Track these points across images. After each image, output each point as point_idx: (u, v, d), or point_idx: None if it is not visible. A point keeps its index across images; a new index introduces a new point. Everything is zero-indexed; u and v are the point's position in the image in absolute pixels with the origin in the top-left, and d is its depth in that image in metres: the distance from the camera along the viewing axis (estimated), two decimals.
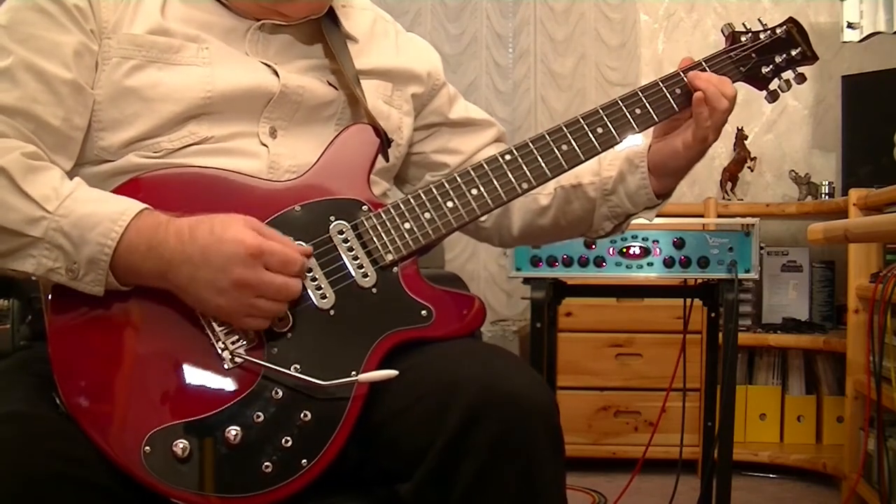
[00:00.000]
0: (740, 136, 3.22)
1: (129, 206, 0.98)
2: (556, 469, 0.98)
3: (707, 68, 1.18)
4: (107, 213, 0.96)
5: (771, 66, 1.23)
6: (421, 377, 0.99)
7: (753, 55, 1.22)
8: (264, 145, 1.11)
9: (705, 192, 3.34)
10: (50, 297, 0.98)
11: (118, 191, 1.02)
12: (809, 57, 1.24)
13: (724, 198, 3.19)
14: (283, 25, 1.15)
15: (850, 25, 2.79)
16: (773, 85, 1.25)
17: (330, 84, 1.17)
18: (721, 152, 3.37)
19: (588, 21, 3.39)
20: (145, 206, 0.98)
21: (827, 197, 3.06)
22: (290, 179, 1.08)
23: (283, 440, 0.97)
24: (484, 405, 0.94)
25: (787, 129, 3.37)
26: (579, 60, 3.39)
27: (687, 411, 2.23)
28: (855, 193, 2.54)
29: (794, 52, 1.23)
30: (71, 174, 1.04)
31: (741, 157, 3.21)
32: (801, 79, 1.25)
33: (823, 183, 3.11)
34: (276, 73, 1.12)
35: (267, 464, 0.96)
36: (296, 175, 1.09)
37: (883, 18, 2.74)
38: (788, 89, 1.25)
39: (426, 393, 0.98)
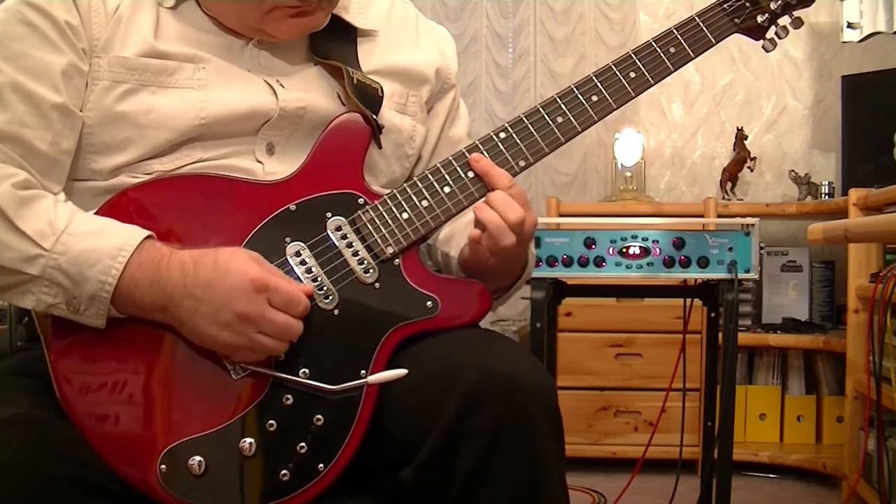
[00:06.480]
0: (740, 136, 3.22)
1: (128, 240, 0.95)
2: (557, 451, 0.98)
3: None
4: (105, 249, 0.94)
5: (766, 14, 1.18)
6: (419, 363, 0.99)
7: (747, 4, 1.17)
8: (259, 162, 1.08)
9: (705, 192, 3.34)
10: (50, 317, 0.97)
11: (107, 207, 1.00)
12: None
13: (723, 198, 3.19)
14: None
15: (850, 25, 2.78)
16: (770, 33, 1.20)
17: (339, 96, 1.12)
18: (721, 152, 3.37)
19: (588, 21, 3.38)
20: (146, 234, 0.96)
21: (827, 197, 3.06)
22: (283, 178, 1.06)
23: (299, 446, 0.96)
24: (483, 389, 0.93)
25: (787, 129, 3.37)
26: (579, 60, 3.39)
27: (687, 411, 2.22)
28: (855, 193, 2.54)
29: None
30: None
31: (741, 157, 3.20)
32: (798, 23, 1.21)
33: (823, 183, 3.10)
34: (275, 92, 1.08)
35: (284, 472, 0.95)
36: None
37: (883, 18, 2.73)
38: (786, 36, 1.21)
39: (425, 378, 0.97)
